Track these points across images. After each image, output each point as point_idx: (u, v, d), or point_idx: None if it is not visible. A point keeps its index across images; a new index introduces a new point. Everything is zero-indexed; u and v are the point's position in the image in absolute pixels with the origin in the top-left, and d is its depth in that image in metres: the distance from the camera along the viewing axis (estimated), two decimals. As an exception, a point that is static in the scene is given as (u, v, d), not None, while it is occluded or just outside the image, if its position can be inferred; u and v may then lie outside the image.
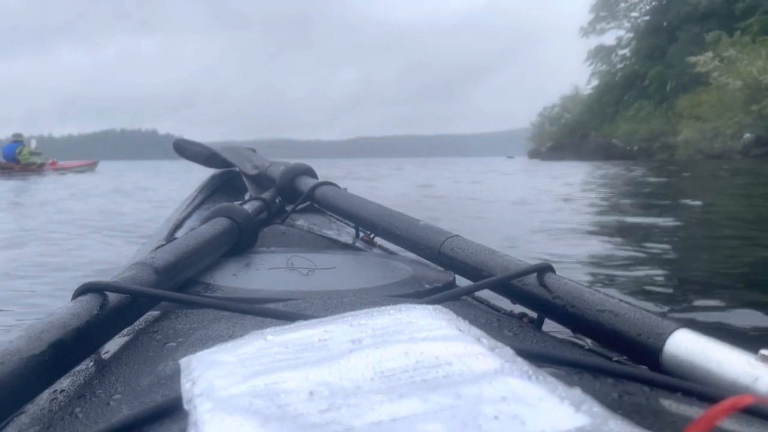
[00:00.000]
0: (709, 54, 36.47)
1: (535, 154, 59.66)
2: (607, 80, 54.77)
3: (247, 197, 1.64)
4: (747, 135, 31.56)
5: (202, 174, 2.14)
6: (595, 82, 56.98)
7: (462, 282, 0.91)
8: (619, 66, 54.56)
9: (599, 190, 9.78)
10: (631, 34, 53.83)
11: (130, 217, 5.75)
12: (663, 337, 0.60)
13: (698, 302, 2.19)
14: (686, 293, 2.34)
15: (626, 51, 54.29)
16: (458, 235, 0.94)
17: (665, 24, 47.36)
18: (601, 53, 56.01)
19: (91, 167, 22.33)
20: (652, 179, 12.98)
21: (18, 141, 18.95)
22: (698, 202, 7.00)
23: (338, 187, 1.34)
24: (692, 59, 37.15)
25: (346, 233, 1.45)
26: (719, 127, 33.38)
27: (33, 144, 19.55)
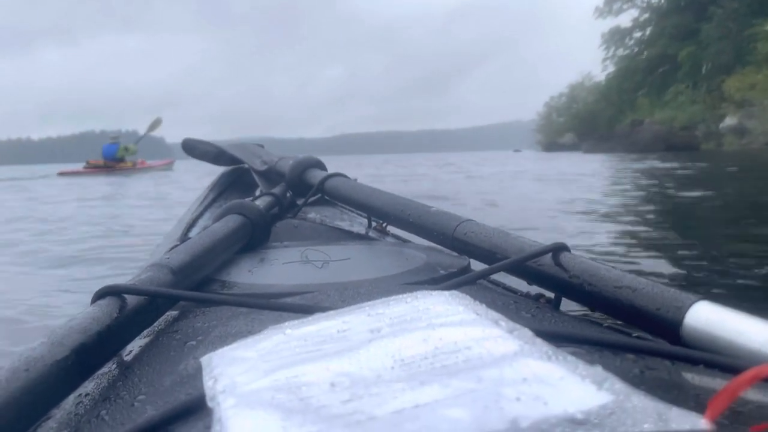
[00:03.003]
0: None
1: (551, 146, 55.03)
2: (627, 64, 50.34)
3: (257, 193, 1.64)
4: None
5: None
6: (611, 68, 52.96)
7: (477, 266, 0.91)
8: (636, 49, 50.41)
9: None
10: (647, 14, 49.66)
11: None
12: (682, 311, 0.59)
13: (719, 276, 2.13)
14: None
15: (644, 33, 49.91)
16: (471, 220, 0.93)
17: (691, 0, 42.29)
18: (616, 36, 52.00)
19: (169, 166, 23.56)
20: None
21: (116, 142, 20.94)
22: None
23: (348, 177, 1.33)
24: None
25: (358, 224, 1.45)
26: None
27: None
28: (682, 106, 38.91)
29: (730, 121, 32.41)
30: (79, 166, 21.82)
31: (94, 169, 19.99)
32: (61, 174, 19.73)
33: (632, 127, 39.99)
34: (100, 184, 13.36)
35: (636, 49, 50.79)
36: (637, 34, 51.15)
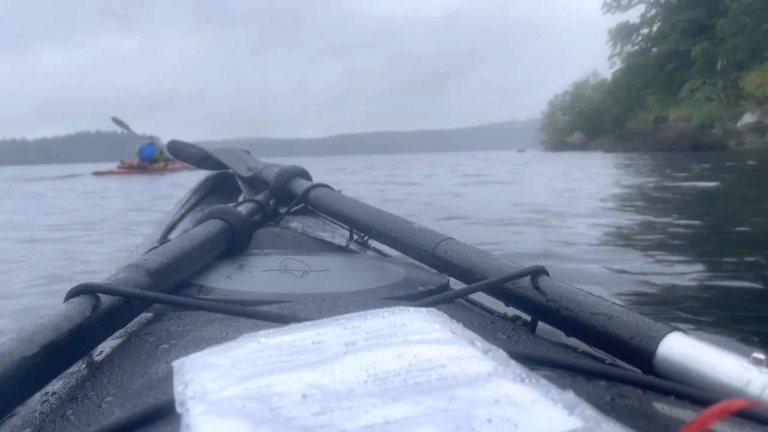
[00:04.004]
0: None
1: (559, 146, 52.22)
2: (636, 60, 47.76)
3: (241, 199, 1.64)
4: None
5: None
6: (618, 65, 50.36)
7: (456, 285, 0.91)
8: (644, 45, 48.04)
9: None
10: (654, 10, 47.05)
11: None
12: (656, 340, 0.60)
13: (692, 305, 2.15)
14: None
15: (651, 29, 47.42)
16: (452, 238, 0.94)
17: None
18: (623, 32, 49.44)
19: None
20: None
21: (153, 144, 21.82)
22: None
23: (332, 189, 1.34)
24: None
25: (340, 235, 1.45)
26: None
27: None
28: (697, 103, 36.42)
29: (749, 118, 30.34)
30: (112, 166, 22.71)
31: (128, 169, 20.78)
32: (97, 173, 20.77)
33: (656, 124, 36.48)
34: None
35: (644, 46, 48.52)
36: (645, 30, 48.92)
